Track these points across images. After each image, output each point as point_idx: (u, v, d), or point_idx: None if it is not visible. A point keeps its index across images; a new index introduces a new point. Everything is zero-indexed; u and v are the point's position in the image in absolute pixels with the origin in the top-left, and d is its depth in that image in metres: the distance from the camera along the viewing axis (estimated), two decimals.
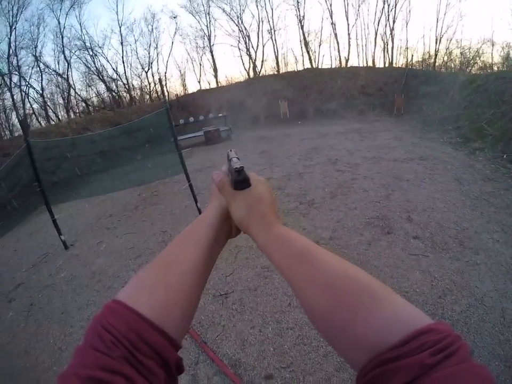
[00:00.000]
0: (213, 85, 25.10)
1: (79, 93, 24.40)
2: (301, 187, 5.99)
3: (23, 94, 21.37)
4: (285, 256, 0.45)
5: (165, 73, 25.97)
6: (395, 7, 20.96)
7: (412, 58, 20.55)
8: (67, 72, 23.37)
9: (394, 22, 21.38)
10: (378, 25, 22.04)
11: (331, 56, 33.00)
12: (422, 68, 18.89)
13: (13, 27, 19.74)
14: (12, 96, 20.40)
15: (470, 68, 18.05)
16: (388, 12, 21.25)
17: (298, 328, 2.67)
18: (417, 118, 11.01)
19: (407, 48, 21.66)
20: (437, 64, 19.78)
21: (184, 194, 6.45)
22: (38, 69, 21.98)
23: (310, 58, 24.19)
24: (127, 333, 0.34)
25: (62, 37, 22.50)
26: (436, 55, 20.11)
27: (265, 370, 2.35)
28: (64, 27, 22.44)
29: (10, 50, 19.62)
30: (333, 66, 21.80)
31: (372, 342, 0.32)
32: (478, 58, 18.52)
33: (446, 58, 20.03)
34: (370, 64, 22.07)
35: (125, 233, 5.53)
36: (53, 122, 21.00)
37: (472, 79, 10.11)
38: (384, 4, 21.11)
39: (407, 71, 14.32)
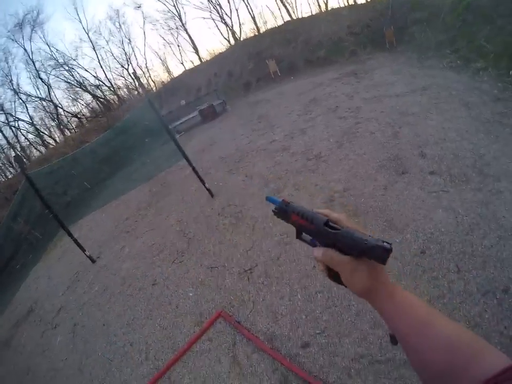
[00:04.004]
0: (197, 63, 24.45)
1: (67, 110, 24.18)
2: (305, 143, 5.83)
3: (14, 129, 21.33)
4: (407, 323, 0.47)
5: (145, 64, 25.44)
6: None
7: None
8: (49, 94, 23.06)
9: None
10: None
11: (309, 3, 31.31)
12: None
13: None
14: (3, 135, 20.38)
15: None
16: None
17: (326, 291, 2.62)
18: (411, 48, 10.34)
19: None
20: None
21: (191, 178, 6.36)
22: (21, 100, 21.75)
23: (287, 11, 23.23)
24: None
25: (34, 62, 22.15)
26: None
27: (301, 339, 2.33)
28: (32, 52, 21.99)
29: None
30: (314, 13, 20.69)
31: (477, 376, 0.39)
32: None
33: None
34: (351, 2, 20.80)
35: (144, 232, 5.58)
36: (52, 146, 21.00)
37: None
38: None
39: (392, 1, 13.37)
